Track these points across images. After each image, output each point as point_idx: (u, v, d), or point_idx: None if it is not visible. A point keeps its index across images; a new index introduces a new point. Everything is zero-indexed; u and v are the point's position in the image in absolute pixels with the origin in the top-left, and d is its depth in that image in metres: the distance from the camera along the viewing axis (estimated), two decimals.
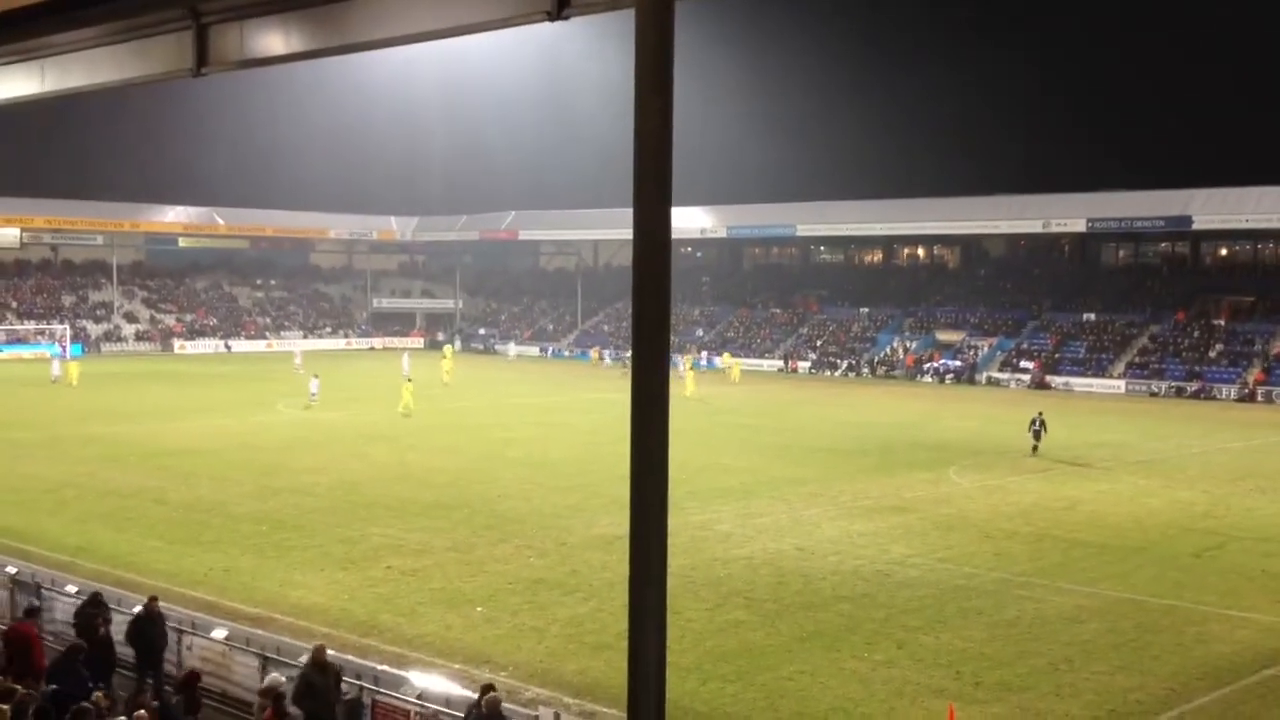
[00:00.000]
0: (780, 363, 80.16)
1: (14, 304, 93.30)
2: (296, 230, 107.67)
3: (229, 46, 14.07)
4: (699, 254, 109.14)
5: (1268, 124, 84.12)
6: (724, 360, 77.80)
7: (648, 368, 3.20)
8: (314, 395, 53.82)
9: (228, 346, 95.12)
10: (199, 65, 14.24)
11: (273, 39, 13.71)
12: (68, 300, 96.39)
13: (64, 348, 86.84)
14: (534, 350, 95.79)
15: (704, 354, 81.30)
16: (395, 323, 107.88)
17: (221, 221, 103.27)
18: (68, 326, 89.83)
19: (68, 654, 14.01)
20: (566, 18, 11.00)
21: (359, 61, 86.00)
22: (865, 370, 79.56)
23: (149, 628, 16.22)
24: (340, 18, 12.91)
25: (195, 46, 14.04)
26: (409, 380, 53.85)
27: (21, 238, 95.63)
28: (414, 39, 12.94)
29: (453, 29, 12.52)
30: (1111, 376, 71.64)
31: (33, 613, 16.00)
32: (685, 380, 61.50)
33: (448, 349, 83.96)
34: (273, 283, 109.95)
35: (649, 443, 3.05)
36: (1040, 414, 43.71)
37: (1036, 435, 42.13)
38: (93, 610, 16.17)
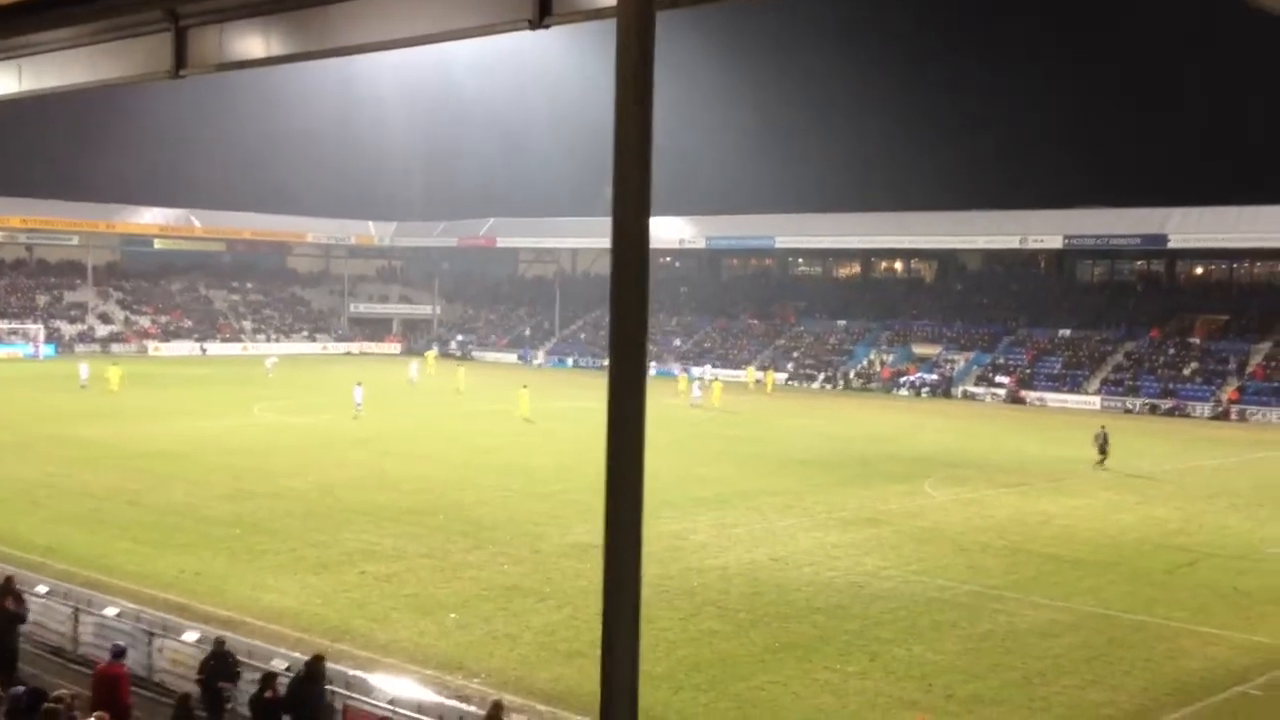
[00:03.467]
0: (759, 374, 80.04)
1: None
2: (274, 233, 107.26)
3: (208, 49, 14.02)
4: (678, 264, 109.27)
5: (1244, 144, 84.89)
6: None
7: (624, 377, 3.20)
8: (359, 405, 52.24)
9: (203, 349, 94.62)
10: (177, 67, 14.17)
11: (252, 42, 13.66)
12: (42, 300, 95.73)
13: (37, 347, 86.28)
14: (511, 357, 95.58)
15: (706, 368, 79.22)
16: (372, 328, 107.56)
17: (198, 224, 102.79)
18: (42, 326, 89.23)
19: (180, 704, 13.86)
20: (548, 26, 11.00)
21: (339, 65, 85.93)
22: (841, 383, 79.69)
23: (309, 689, 14.72)
24: (320, 22, 12.87)
25: (174, 48, 13.98)
26: (525, 387, 53.86)
27: None
28: (394, 45, 12.92)
29: (433, 35, 12.50)
30: (1086, 393, 72.02)
31: (120, 654, 15.01)
32: (712, 391, 62.62)
33: (429, 354, 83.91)
34: (249, 286, 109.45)
35: (624, 452, 3.05)
36: (1104, 428, 44.09)
37: (1101, 450, 42.46)
38: (215, 663, 15.34)
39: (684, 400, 62.03)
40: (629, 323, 3.35)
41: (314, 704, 14.51)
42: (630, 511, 3.05)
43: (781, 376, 79.72)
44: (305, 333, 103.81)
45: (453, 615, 21.16)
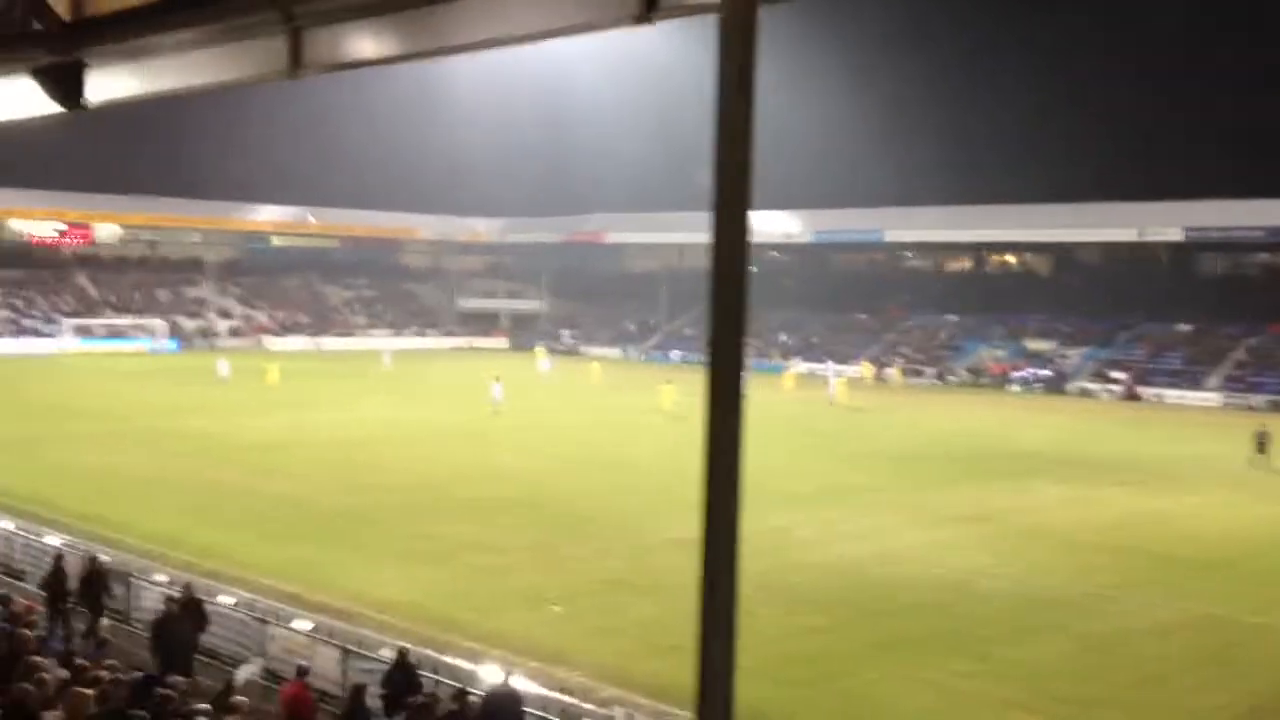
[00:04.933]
0: (861, 369, 79.14)
1: (113, 299, 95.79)
2: (386, 230, 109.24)
3: (322, 49, 14.34)
4: (784, 257, 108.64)
5: None
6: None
7: (723, 371, 3.23)
8: (498, 400, 51.90)
9: (317, 344, 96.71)
10: (293, 67, 14.54)
11: (365, 42, 13.94)
12: (164, 296, 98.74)
13: (160, 342, 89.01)
14: (615, 352, 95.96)
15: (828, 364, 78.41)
16: (480, 323, 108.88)
17: (314, 220, 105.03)
18: (163, 321, 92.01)
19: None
20: (653, 21, 11.04)
21: (450, 63, 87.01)
22: (951, 378, 78.56)
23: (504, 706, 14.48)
24: (430, 21, 13.10)
25: (289, 48, 14.34)
26: (669, 382, 53.15)
27: (122, 235, 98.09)
28: (502, 43, 13.05)
29: (540, 33, 12.62)
30: (1206, 389, 70.00)
31: (304, 673, 14.93)
32: (837, 389, 62.02)
33: (539, 350, 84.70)
34: (362, 281, 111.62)
35: (723, 447, 3.09)
36: (1264, 426, 43.15)
37: (1260, 449, 41.51)
38: (399, 675, 14.93)
39: (823, 396, 61.15)
40: (728, 317, 3.39)
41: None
42: (727, 510, 3.09)
43: (890, 372, 78.77)
44: (415, 327, 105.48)
45: (556, 608, 21.39)
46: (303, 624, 17.48)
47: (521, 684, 15.44)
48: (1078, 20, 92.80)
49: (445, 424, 48.03)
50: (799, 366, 79.42)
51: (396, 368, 73.85)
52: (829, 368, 73.68)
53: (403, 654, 15.31)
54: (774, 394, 61.96)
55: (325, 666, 16.18)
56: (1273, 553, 27.93)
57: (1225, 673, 18.90)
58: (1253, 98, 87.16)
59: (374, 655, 15.65)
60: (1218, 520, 31.70)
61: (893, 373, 77.36)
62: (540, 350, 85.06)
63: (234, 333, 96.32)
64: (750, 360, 51.17)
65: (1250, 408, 65.11)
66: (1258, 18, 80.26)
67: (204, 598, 18.05)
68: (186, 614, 16.90)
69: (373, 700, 14.50)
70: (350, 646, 16.31)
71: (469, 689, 14.32)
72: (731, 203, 3.56)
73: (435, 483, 33.97)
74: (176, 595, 17.64)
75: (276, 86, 16.26)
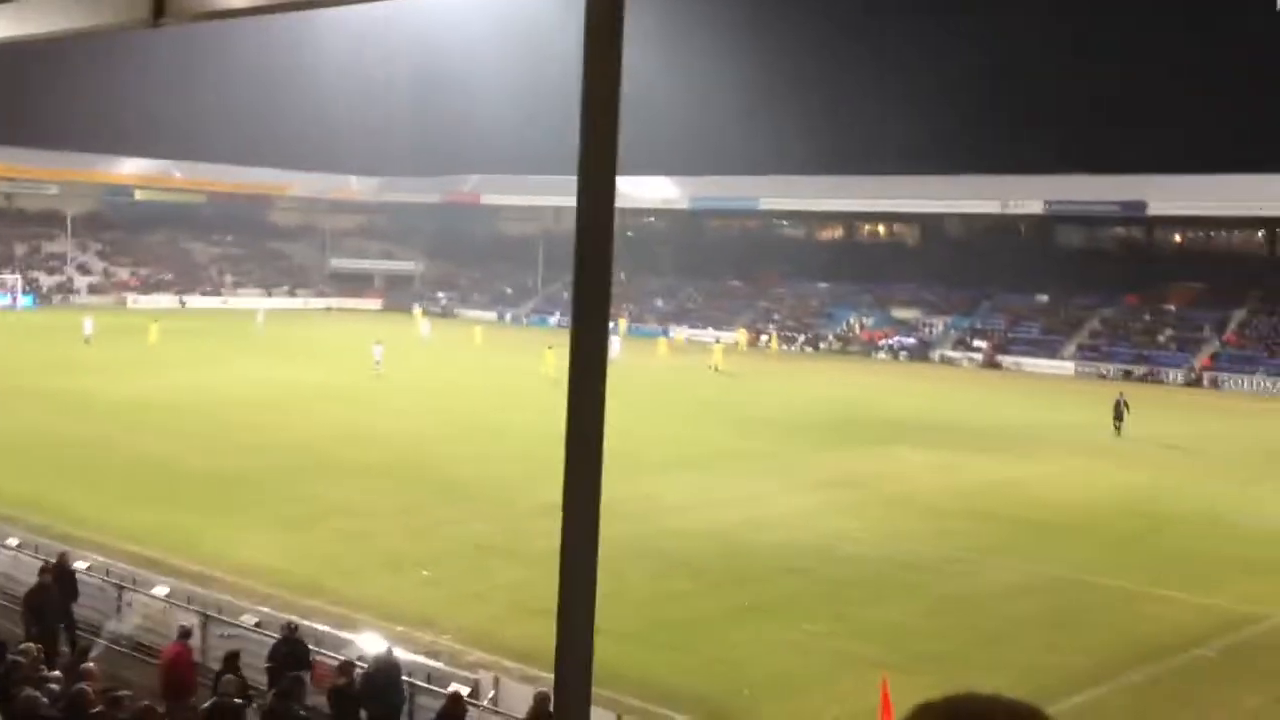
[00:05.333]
0: (738, 336, 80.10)
1: None
2: (255, 186, 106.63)
3: None
4: (661, 224, 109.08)
5: (1225, 113, 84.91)
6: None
7: (587, 338, 3.30)
8: (378, 362, 51.88)
9: (183, 302, 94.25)
10: (155, 16, 14.11)
11: None
12: (20, 250, 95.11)
13: (15, 298, 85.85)
14: (491, 315, 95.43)
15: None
16: (353, 283, 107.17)
17: (179, 175, 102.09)
18: (19, 276, 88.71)
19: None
20: None
21: (326, 16, 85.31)
22: (821, 345, 79.93)
23: (385, 679, 14.37)
24: None
25: None
26: (550, 347, 52.06)
27: None
28: None
29: None
30: (1062, 358, 72.44)
31: (186, 634, 14.75)
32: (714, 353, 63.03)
33: (417, 312, 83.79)
34: (230, 239, 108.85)
35: (584, 413, 3.17)
36: (1121, 395, 44.34)
37: (1119, 416, 42.79)
38: (287, 649, 14.63)
39: (701, 362, 61.62)
40: (592, 283, 3.46)
41: (393, 696, 14.28)
42: (588, 474, 3.17)
43: (765, 339, 79.91)
44: (285, 287, 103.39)
45: (424, 572, 21.37)
46: (160, 589, 17.16)
47: (385, 647, 15.42)
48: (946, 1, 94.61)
49: (323, 386, 47.29)
50: (681, 332, 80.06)
51: (271, 328, 72.40)
52: (709, 333, 74.87)
53: (291, 627, 15.04)
54: (651, 359, 62.35)
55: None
56: (1124, 518, 29.15)
57: (1073, 633, 19.73)
58: (1113, 75, 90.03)
59: (234, 621, 15.46)
60: (1073, 486, 32.94)
61: (769, 339, 78.43)
62: (419, 313, 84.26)
63: (94, 290, 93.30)
64: (629, 326, 51.40)
65: (1102, 376, 67.62)
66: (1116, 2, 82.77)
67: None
68: (58, 584, 16.39)
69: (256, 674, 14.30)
70: (210, 612, 16.09)
71: (354, 661, 14.28)
72: (597, 168, 3.64)
73: (307, 446, 33.51)
74: (49, 564, 17.07)
75: (142, 34, 15.80)
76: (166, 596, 16.76)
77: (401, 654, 15.70)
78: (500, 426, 38.59)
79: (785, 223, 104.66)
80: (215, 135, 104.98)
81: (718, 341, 68.21)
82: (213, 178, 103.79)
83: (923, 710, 1.61)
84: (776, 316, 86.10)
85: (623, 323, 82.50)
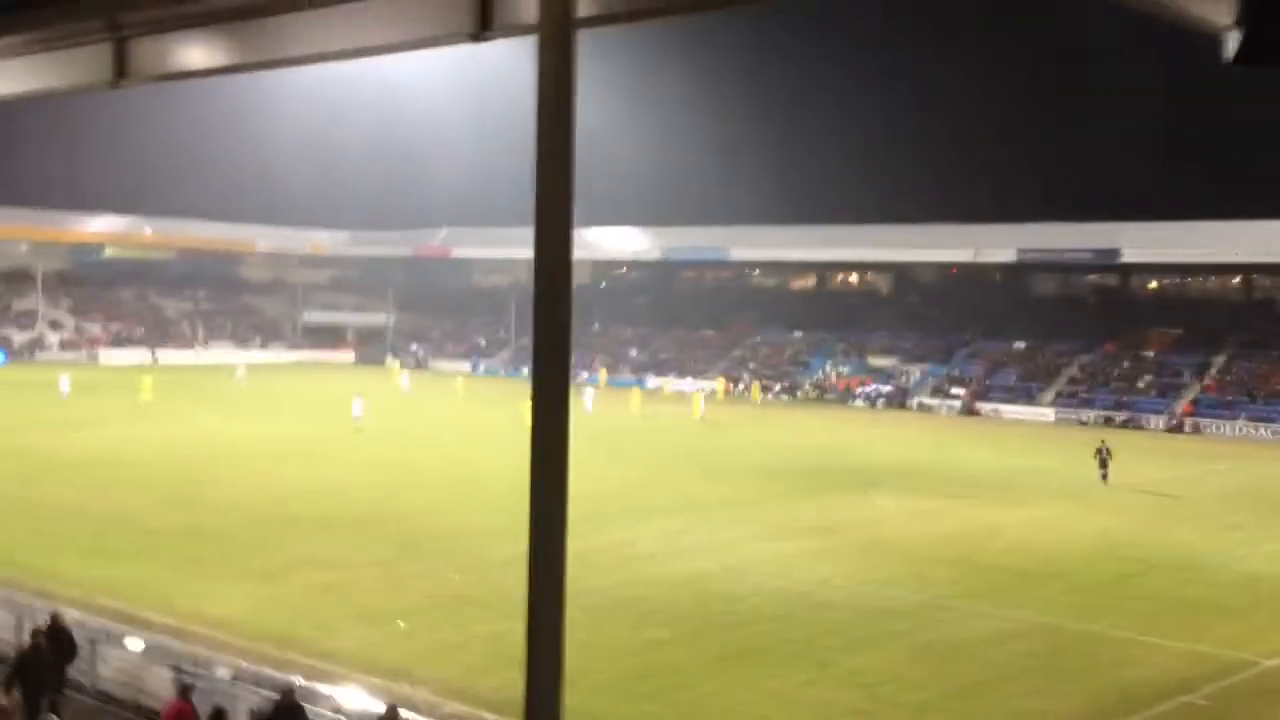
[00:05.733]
0: (712, 384, 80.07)
1: None
2: (225, 242, 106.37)
3: (148, 59, 13.93)
4: (633, 274, 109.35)
5: (1196, 160, 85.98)
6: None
7: (548, 386, 3.18)
8: (358, 416, 51.21)
9: (154, 357, 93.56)
10: (118, 77, 14.06)
11: (193, 52, 13.58)
12: None
13: None
14: (465, 366, 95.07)
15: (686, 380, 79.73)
16: (325, 337, 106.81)
17: (149, 231, 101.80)
18: None
19: None
20: (489, 39, 11.04)
21: (294, 73, 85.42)
22: (797, 394, 79.95)
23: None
24: (260, 33, 12.79)
25: (114, 58, 13.88)
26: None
27: None
28: (336, 57, 12.88)
29: (376, 48, 12.46)
30: (1041, 404, 72.62)
31: (186, 690, 14.29)
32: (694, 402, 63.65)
33: (395, 364, 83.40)
34: (201, 294, 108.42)
35: (548, 459, 3.06)
36: (1104, 442, 43.96)
37: (1103, 464, 42.34)
38: (282, 715, 13.98)
39: (680, 411, 61.51)
40: (552, 333, 3.35)
41: None
42: (554, 520, 3.04)
43: (739, 387, 79.93)
44: (257, 341, 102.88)
45: (400, 623, 21.03)
46: (135, 643, 16.80)
47: (364, 701, 15.13)
48: (916, 50, 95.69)
49: (302, 439, 46.87)
50: (665, 382, 79.64)
51: (250, 382, 71.86)
52: (689, 383, 75.29)
53: (289, 691, 14.29)
54: (626, 409, 62.17)
55: (158, 686, 15.60)
56: (1101, 564, 29.03)
57: (1052, 679, 19.54)
58: (1080, 126, 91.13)
59: (208, 674, 15.13)
60: (1050, 532, 32.83)
61: (751, 388, 78.25)
62: (397, 366, 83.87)
63: (66, 345, 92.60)
64: (605, 376, 50.97)
65: (1082, 423, 67.77)
66: (1084, 50, 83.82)
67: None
68: (51, 645, 15.82)
69: None
70: (184, 666, 15.75)
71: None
72: (553, 218, 3.52)
73: (282, 499, 33.15)
74: (41, 627, 16.42)
75: (111, 92, 15.73)
76: (141, 651, 16.37)
77: (373, 706, 15.39)
78: (478, 476, 38.27)
79: (758, 272, 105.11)
80: (183, 192, 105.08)
81: (699, 391, 68.32)
82: (182, 233, 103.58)
83: None
84: (752, 365, 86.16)
85: (603, 374, 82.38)
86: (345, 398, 54.32)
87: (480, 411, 60.16)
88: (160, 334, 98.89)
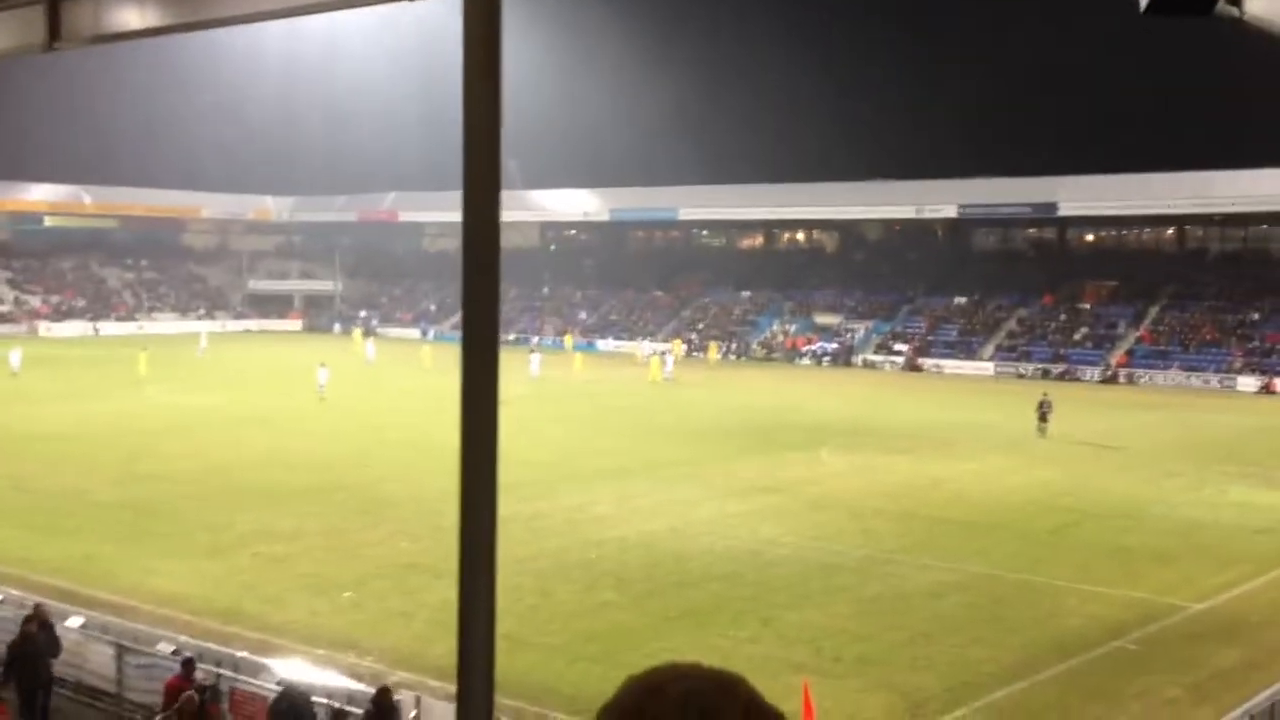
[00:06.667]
0: (666, 346, 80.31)
1: None
2: (168, 209, 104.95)
3: (82, 21, 13.73)
4: (582, 236, 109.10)
5: (1131, 114, 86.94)
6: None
7: (476, 352, 3.27)
8: (323, 386, 50.50)
9: (96, 329, 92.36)
10: (51, 39, 13.87)
11: (128, 14, 13.40)
12: None
13: None
14: (414, 332, 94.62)
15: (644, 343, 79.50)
16: (272, 305, 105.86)
17: (89, 200, 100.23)
18: None
19: None
20: None
21: (236, 35, 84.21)
22: (745, 353, 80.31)
23: None
24: None
25: (47, 20, 13.67)
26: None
27: None
28: (274, 15, 12.74)
29: (312, 6, 12.37)
30: (981, 359, 73.51)
31: (189, 665, 14.26)
32: (650, 366, 63.11)
33: (358, 332, 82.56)
34: (144, 263, 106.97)
35: (478, 427, 3.14)
36: (1045, 395, 44.28)
37: (1043, 418, 42.61)
38: (287, 706, 14.00)
39: (656, 376, 61.58)
40: (481, 299, 3.43)
41: None
42: (484, 487, 3.12)
43: (685, 348, 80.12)
44: (202, 310, 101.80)
45: (347, 594, 21.11)
46: (74, 620, 16.77)
47: (307, 672, 15.23)
48: (857, 9, 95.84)
49: (265, 410, 46.33)
50: (639, 348, 78.65)
51: (208, 353, 70.88)
52: (644, 345, 75.35)
53: (292, 687, 14.19)
54: (570, 373, 62.24)
55: (100, 664, 15.59)
56: (1040, 514, 29.58)
57: (993, 628, 19.98)
58: (1019, 80, 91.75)
59: (150, 651, 15.16)
60: (991, 484, 33.39)
61: (708, 349, 78.29)
62: (359, 333, 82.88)
63: (5, 319, 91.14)
64: (570, 340, 50.66)
65: (1021, 375, 68.72)
66: (1023, 8, 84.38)
67: None
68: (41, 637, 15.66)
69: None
70: (125, 643, 15.75)
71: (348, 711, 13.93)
72: (482, 187, 3.61)
73: (236, 471, 32.94)
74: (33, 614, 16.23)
75: (46, 57, 15.49)
76: (80, 627, 16.34)
77: (319, 677, 15.51)
78: (438, 444, 38.16)
79: (705, 232, 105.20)
80: (124, 159, 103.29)
81: (655, 354, 68.30)
82: (124, 201, 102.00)
83: (625, 684, 1.67)
84: (701, 326, 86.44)
85: (568, 338, 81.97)
86: (308, 367, 53.83)
87: (445, 379, 59.40)
88: (103, 305, 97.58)
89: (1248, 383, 64.00)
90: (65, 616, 17.23)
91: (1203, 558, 25.37)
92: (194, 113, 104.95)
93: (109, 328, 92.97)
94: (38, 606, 16.74)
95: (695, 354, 78.80)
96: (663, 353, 68.31)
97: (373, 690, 14.07)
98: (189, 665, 14.24)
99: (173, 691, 13.69)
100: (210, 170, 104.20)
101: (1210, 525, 28.62)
